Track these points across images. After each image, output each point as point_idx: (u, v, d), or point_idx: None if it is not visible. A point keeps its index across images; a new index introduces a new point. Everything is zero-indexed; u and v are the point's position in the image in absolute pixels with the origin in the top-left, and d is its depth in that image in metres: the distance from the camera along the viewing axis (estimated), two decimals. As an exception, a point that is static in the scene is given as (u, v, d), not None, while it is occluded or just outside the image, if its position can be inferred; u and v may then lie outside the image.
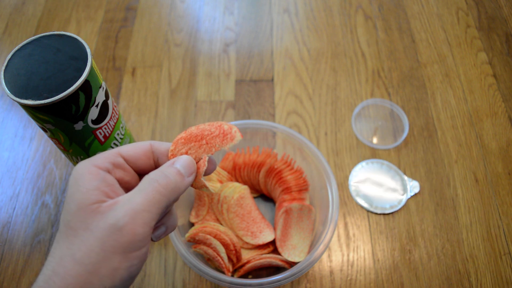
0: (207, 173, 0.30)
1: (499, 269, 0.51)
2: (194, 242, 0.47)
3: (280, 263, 0.48)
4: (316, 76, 0.67)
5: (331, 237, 0.46)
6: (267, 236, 0.50)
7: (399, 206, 0.55)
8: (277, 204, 0.52)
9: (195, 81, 0.67)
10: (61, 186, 0.57)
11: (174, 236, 0.45)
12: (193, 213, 0.52)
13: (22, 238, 0.53)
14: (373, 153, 0.60)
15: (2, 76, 0.35)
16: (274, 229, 0.51)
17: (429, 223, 0.54)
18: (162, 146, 0.30)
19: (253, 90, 0.66)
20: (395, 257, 0.52)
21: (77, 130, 0.38)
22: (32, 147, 0.61)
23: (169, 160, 0.30)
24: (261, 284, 0.43)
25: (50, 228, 0.54)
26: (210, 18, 0.74)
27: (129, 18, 0.74)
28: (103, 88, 0.39)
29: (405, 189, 0.56)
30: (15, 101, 0.34)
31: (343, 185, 0.57)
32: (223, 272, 0.47)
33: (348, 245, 0.53)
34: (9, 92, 0.34)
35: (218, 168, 0.54)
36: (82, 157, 0.42)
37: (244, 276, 0.49)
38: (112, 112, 0.41)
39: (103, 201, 0.25)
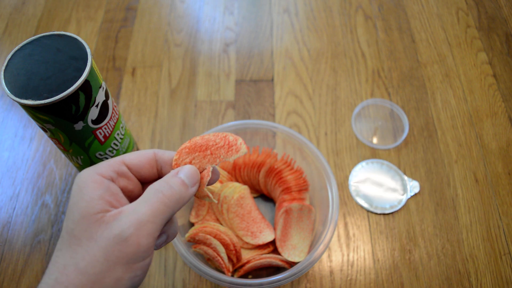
0: (210, 183, 0.30)
1: (499, 269, 0.51)
2: (194, 242, 0.47)
3: (280, 263, 0.48)
4: (316, 76, 0.67)
5: (331, 237, 0.46)
6: (267, 236, 0.50)
7: (399, 206, 0.55)
8: (277, 204, 0.52)
9: (195, 81, 0.67)
10: (61, 186, 0.57)
11: (174, 236, 0.45)
12: (193, 213, 0.52)
13: (22, 238, 0.53)
14: (373, 153, 0.60)
15: (2, 76, 0.35)
16: (274, 229, 0.51)
17: (429, 223, 0.54)
18: (165, 155, 0.30)
19: (253, 90, 0.66)
20: (395, 257, 0.52)
21: (77, 130, 0.38)
22: (32, 147, 0.60)
23: (172, 169, 0.30)
24: (261, 284, 0.43)
25: (50, 228, 0.54)
26: (210, 18, 0.74)
27: (129, 18, 0.74)
28: (103, 88, 0.39)
29: (405, 189, 0.56)
30: (15, 101, 0.34)
31: (343, 185, 0.57)
32: (223, 272, 0.47)
33: (348, 245, 0.53)
34: (9, 92, 0.34)
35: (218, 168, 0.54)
36: (82, 157, 0.42)
37: (244, 276, 0.49)
38: (112, 112, 0.41)
39: (107, 211, 0.25)
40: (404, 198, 0.56)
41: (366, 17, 0.73)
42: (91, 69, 0.36)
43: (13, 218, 0.55)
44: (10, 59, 0.36)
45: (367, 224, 0.54)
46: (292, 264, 0.48)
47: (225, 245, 0.46)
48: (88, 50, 0.37)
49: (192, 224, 0.52)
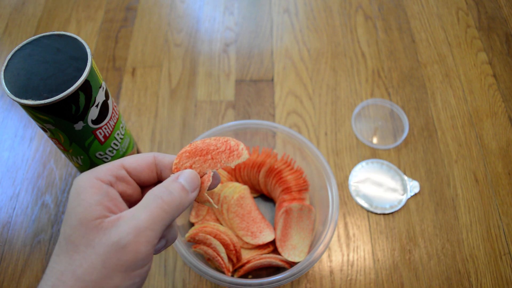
0: (210, 188, 0.30)
1: (499, 269, 0.51)
2: (194, 242, 0.47)
3: (280, 263, 0.48)
4: (316, 76, 0.67)
5: (331, 237, 0.46)
6: (267, 236, 0.50)
7: (399, 206, 0.55)
8: (277, 204, 0.52)
9: (195, 81, 0.67)
10: (61, 186, 0.57)
11: (174, 236, 0.45)
12: (193, 213, 0.52)
13: (22, 238, 0.53)
14: (373, 153, 0.60)
15: (2, 76, 0.35)
16: (274, 229, 0.51)
17: (429, 223, 0.54)
18: (165, 158, 0.29)
19: (253, 90, 0.66)
20: (395, 257, 0.52)
21: (77, 130, 0.38)
22: (32, 147, 0.61)
23: (172, 173, 0.29)
24: (261, 284, 0.43)
25: (50, 228, 0.54)
26: (210, 18, 0.74)
27: (129, 18, 0.74)
28: (103, 88, 0.39)
29: (405, 189, 0.56)
30: (15, 101, 0.34)
31: (343, 185, 0.57)
32: (223, 272, 0.47)
33: (348, 245, 0.53)
34: (9, 92, 0.34)
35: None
36: (82, 157, 0.42)
37: (244, 276, 0.49)
38: (112, 112, 0.41)
39: (106, 216, 0.25)
40: (404, 198, 0.56)
41: (366, 17, 0.73)
42: (91, 69, 0.36)
43: (13, 218, 0.55)
44: (10, 59, 0.36)
45: (367, 224, 0.54)
46: (292, 264, 0.48)
47: (225, 245, 0.46)
48: (88, 50, 0.37)
49: (192, 224, 0.52)
